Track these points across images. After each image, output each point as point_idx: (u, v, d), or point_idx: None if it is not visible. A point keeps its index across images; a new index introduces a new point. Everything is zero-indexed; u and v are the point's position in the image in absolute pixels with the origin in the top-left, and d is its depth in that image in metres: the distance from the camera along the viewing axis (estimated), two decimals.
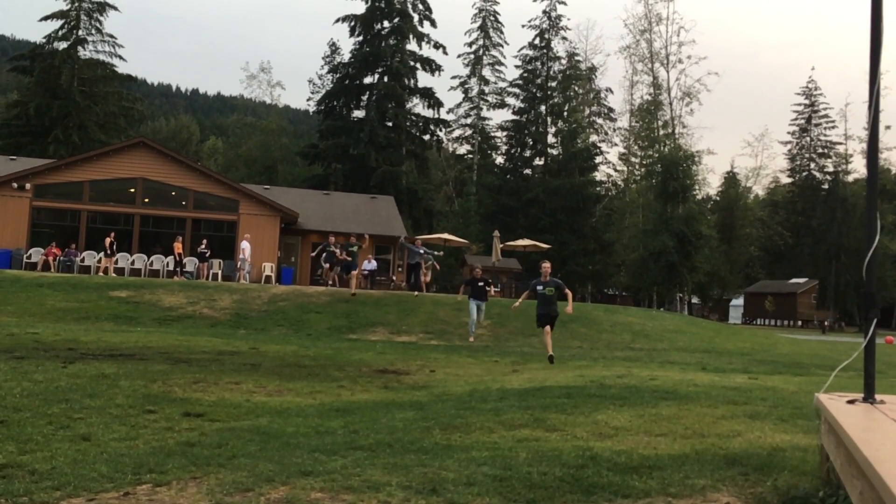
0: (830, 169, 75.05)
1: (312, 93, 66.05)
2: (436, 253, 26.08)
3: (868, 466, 2.05)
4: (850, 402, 3.44)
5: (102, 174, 30.33)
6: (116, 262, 28.98)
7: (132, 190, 30.88)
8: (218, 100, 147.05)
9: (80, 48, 55.91)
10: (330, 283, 24.28)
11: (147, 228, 31.25)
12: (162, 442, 5.07)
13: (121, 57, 58.73)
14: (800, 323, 64.31)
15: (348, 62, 59.90)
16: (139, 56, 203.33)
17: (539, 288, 13.12)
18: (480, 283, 17.38)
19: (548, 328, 12.97)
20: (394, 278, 32.87)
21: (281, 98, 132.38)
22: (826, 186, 74.25)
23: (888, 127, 68.98)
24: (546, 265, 13.45)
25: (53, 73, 53.17)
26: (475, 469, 4.04)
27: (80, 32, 55.82)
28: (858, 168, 72.71)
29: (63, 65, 53.48)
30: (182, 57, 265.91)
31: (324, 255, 23.92)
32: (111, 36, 57.32)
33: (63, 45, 55.12)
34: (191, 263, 29.09)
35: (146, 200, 31.12)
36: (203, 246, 28.07)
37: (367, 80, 59.28)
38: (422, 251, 22.81)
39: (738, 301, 75.56)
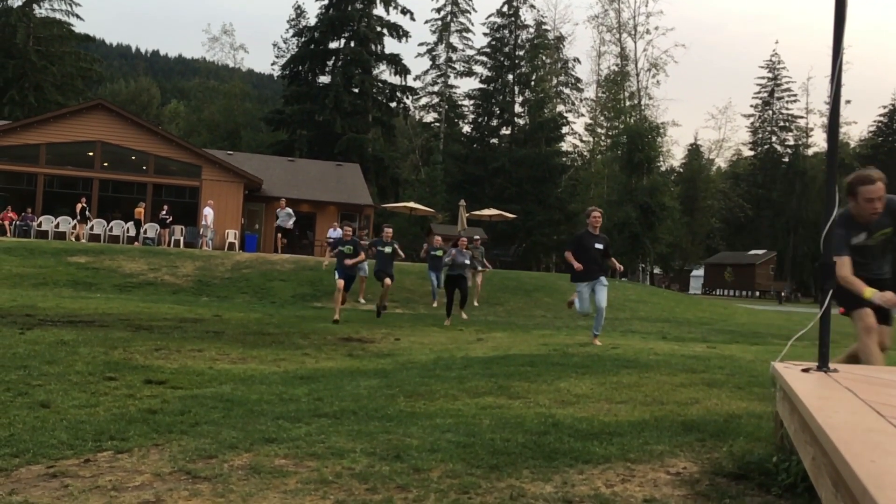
0: (791, 142, 76.38)
1: (277, 57, 65.14)
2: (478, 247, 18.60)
3: (821, 433, 2.10)
4: (805, 370, 3.52)
5: (59, 137, 29.57)
6: (92, 229, 28.43)
7: (90, 154, 30.18)
8: (179, 62, 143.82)
9: (35, 6, 54.16)
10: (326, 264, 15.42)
11: (106, 193, 30.64)
12: (123, 409, 5.02)
13: (78, 16, 57.19)
14: (757, 293, 65.73)
15: (314, 26, 58.81)
16: (97, 16, 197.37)
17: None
18: (599, 246, 9.81)
19: None
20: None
21: (244, 62, 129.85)
22: (786, 160, 75.56)
23: (849, 101, 70.26)
24: None
25: (8, 32, 51.51)
26: (439, 436, 4.07)
27: None
28: (818, 142, 74.15)
29: (18, 23, 51.80)
30: (142, 17, 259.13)
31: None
32: None
33: (18, 2, 53.36)
34: (152, 229, 28.65)
35: (105, 165, 30.45)
36: (165, 212, 27.65)
37: (333, 44, 58.35)
38: (468, 261, 15.22)
39: (699, 272, 76.97)
